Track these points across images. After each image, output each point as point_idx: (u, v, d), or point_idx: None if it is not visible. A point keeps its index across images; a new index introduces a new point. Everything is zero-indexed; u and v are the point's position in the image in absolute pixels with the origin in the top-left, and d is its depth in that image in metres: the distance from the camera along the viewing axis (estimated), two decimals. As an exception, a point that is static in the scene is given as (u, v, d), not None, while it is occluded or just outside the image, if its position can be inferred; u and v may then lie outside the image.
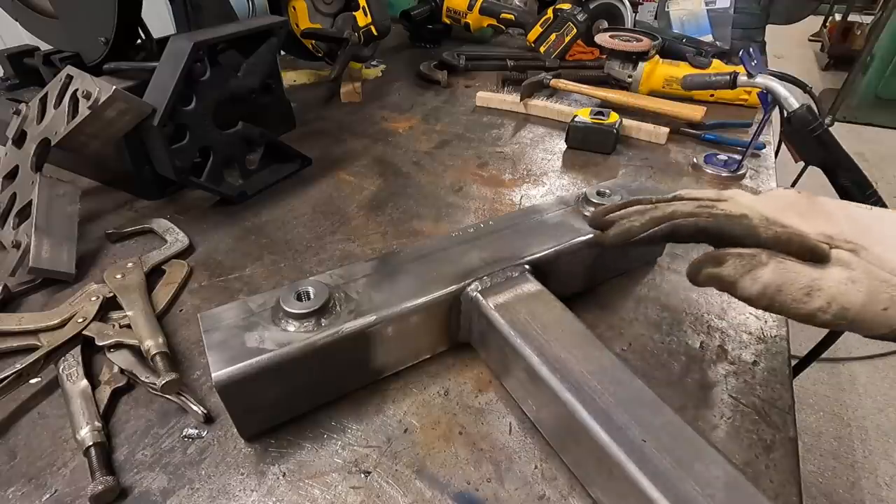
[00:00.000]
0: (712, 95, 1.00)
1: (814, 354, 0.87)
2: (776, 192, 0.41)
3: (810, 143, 0.65)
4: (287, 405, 0.44)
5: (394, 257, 0.49)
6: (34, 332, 0.50)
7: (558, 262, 0.51)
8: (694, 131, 0.91)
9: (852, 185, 0.65)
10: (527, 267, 0.49)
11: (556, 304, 0.45)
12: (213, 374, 0.38)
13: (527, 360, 0.41)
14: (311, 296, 0.43)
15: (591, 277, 0.57)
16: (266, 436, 0.43)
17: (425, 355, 0.49)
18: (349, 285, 0.46)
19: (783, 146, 0.71)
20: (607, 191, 0.56)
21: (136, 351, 0.49)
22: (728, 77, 0.75)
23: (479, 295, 0.46)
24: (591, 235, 0.52)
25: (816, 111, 0.65)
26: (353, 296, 0.45)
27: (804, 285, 0.35)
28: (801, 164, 0.70)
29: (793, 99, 0.67)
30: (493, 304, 0.45)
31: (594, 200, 0.54)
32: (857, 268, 0.35)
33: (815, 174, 0.69)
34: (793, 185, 0.93)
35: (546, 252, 0.50)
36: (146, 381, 0.46)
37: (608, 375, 0.39)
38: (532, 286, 0.47)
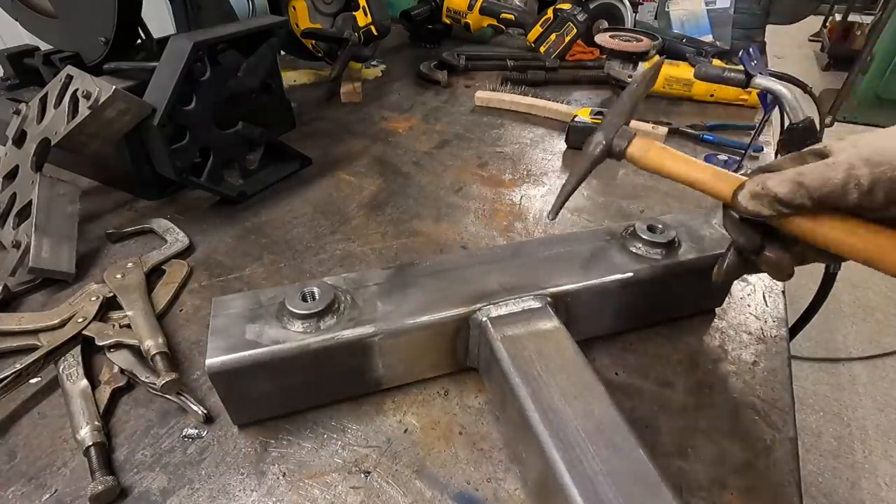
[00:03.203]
0: (712, 95, 1.00)
1: (810, 311, 0.82)
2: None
3: None
4: (279, 400, 0.44)
5: (410, 269, 0.48)
6: (34, 332, 0.50)
7: (586, 299, 0.47)
8: (693, 131, 0.91)
9: None
10: (548, 299, 0.45)
11: (569, 346, 0.41)
12: (206, 360, 0.38)
13: (520, 402, 0.37)
14: (316, 297, 0.43)
15: (631, 320, 0.51)
16: (266, 436, 0.43)
17: (428, 375, 0.47)
18: (358, 291, 0.45)
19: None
20: (660, 226, 0.50)
21: (136, 351, 0.49)
22: (743, 75, 0.74)
23: (488, 322, 0.43)
24: (630, 274, 0.47)
25: (818, 126, 0.65)
26: (359, 303, 0.44)
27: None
28: None
29: (799, 111, 0.66)
30: (501, 334, 0.42)
31: (644, 237, 0.49)
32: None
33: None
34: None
35: (574, 286, 0.46)
36: (146, 381, 0.46)
37: (605, 437, 0.34)
38: (548, 322, 0.43)
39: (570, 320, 0.46)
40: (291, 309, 0.41)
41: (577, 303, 0.47)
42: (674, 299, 0.52)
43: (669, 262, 0.48)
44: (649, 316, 0.53)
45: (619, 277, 0.47)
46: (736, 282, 0.59)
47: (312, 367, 0.42)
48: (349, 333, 0.41)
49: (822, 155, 0.35)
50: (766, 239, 0.38)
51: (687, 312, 0.55)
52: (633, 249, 0.49)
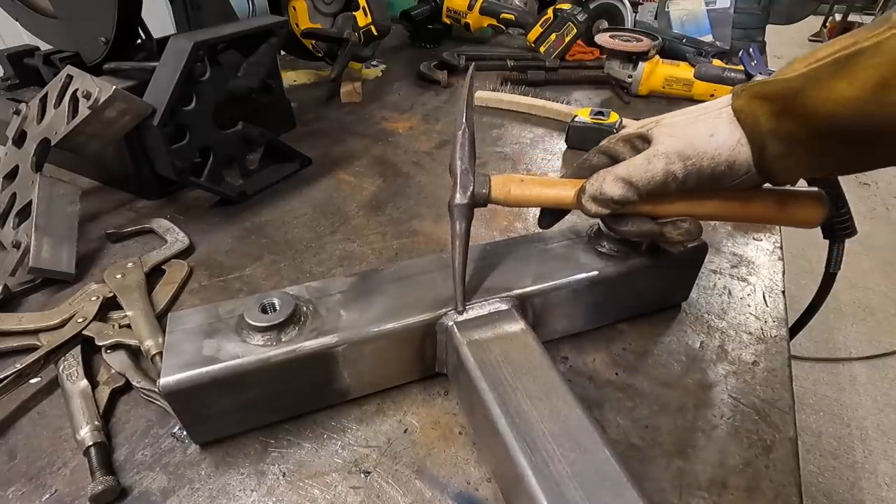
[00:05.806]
0: (712, 95, 1.00)
1: (810, 311, 0.81)
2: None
3: None
4: (242, 417, 0.42)
5: (374, 276, 0.47)
6: (34, 332, 0.50)
7: (554, 299, 0.47)
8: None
9: (829, 196, 0.64)
10: (515, 301, 0.45)
11: (536, 348, 0.41)
12: (160, 379, 0.37)
13: (487, 407, 0.37)
14: (277, 308, 0.41)
15: (597, 318, 0.52)
16: (266, 436, 0.43)
17: (397, 382, 0.47)
18: (322, 300, 0.44)
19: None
20: None
21: (133, 353, 0.49)
22: (743, 75, 0.74)
23: (454, 326, 0.42)
24: (595, 272, 0.47)
25: None
26: (321, 312, 0.43)
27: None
28: None
29: None
30: (467, 338, 0.41)
31: (609, 235, 0.49)
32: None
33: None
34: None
35: (540, 287, 0.46)
36: (138, 385, 0.45)
37: (571, 439, 0.34)
38: (514, 325, 0.43)
39: (538, 321, 0.46)
40: (250, 322, 0.40)
41: (544, 303, 0.47)
42: (640, 296, 0.53)
43: (634, 260, 0.49)
44: (617, 313, 0.53)
45: (585, 276, 0.47)
46: (736, 282, 0.59)
47: (275, 381, 0.40)
48: (311, 344, 0.40)
49: (646, 139, 0.41)
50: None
51: (654, 308, 0.55)
52: (599, 248, 0.50)
